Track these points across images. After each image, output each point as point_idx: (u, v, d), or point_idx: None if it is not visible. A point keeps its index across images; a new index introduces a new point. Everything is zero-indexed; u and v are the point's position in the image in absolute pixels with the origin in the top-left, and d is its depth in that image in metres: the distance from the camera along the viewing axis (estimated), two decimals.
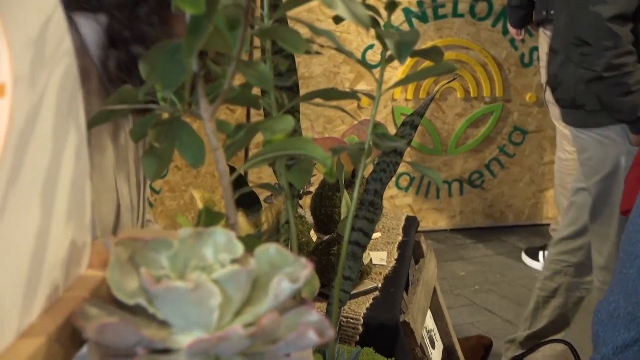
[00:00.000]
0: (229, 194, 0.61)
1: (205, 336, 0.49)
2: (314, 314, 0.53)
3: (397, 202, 4.31)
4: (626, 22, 2.27)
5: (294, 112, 0.94)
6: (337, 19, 0.69)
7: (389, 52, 0.73)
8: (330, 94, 0.79)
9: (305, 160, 0.77)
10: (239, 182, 2.09)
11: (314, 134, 2.72)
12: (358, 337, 1.75)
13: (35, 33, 0.52)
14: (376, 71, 0.83)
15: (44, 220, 0.53)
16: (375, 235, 2.23)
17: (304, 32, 0.62)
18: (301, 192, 1.91)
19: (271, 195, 1.85)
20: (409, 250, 2.22)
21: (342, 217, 1.65)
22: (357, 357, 1.25)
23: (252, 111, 3.70)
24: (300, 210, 2.07)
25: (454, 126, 4.24)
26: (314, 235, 2.04)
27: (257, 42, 0.84)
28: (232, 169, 0.67)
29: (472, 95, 4.19)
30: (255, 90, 0.72)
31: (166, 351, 0.51)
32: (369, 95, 0.82)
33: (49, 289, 0.54)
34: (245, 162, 0.64)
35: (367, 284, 1.89)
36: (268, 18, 0.80)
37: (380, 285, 1.91)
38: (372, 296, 1.85)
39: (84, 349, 0.53)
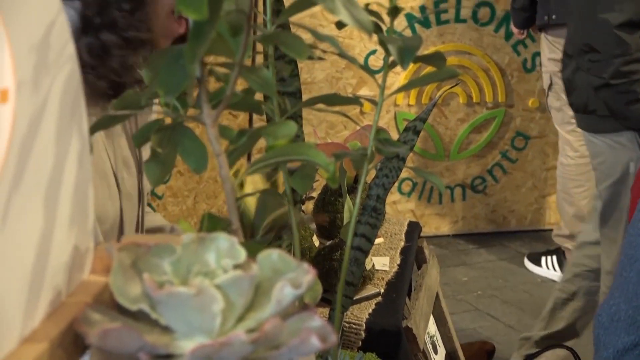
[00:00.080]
0: (232, 199, 0.61)
1: (208, 342, 0.49)
2: (317, 319, 0.53)
3: (400, 207, 4.31)
4: (635, 29, 2.26)
5: (297, 117, 0.94)
6: (340, 25, 0.69)
7: (391, 58, 0.73)
8: (332, 100, 0.79)
9: (307, 165, 0.77)
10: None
11: (316, 140, 2.72)
12: (360, 342, 1.74)
13: (39, 38, 0.52)
14: (379, 77, 0.83)
15: (47, 226, 0.53)
16: (378, 240, 2.23)
17: (307, 37, 0.62)
18: (304, 197, 1.91)
19: None
20: (412, 256, 2.22)
21: (345, 222, 1.65)
22: None
23: (255, 117, 3.71)
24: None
25: (457, 131, 4.24)
26: (316, 241, 2.04)
27: (259, 47, 0.84)
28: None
29: (474, 100, 4.19)
30: (258, 96, 0.72)
31: (169, 357, 0.51)
32: (371, 100, 0.82)
33: (51, 294, 0.54)
34: (248, 167, 0.64)
35: (370, 290, 1.88)
36: (271, 23, 0.80)
37: (382, 290, 1.91)
38: (375, 302, 1.85)
39: (87, 355, 0.53)
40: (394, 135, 3.52)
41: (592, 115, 2.46)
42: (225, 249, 0.55)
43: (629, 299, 1.25)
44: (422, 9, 4.02)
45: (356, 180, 2.07)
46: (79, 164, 0.58)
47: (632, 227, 1.30)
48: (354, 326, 1.75)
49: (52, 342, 0.50)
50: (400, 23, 3.89)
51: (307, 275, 0.53)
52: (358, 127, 1.86)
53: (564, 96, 3.51)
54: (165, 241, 0.57)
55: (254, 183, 0.96)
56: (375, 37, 0.73)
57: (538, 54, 3.95)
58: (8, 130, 0.47)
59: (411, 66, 3.46)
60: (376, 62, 3.97)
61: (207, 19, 0.52)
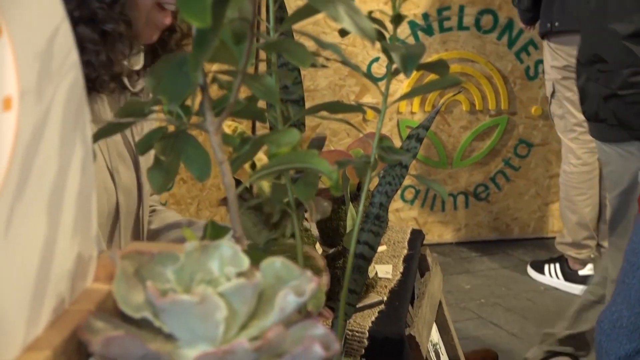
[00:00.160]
0: (235, 207, 0.61)
1: (211, 350, 0.49)
2: (320, 327, 0.53)
3: (403, 215, 4.31)
4: None
5: (300, 125, 0.94)
6: (343, 32, 0.69)
7: (394, 66, 0.73)
8: (335, 107, 0.79)
9: (310, 173, 0.77)
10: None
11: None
12: (363, 350, 1.74)
13: (42, 46, 0.52)
14: (382, 84, 0.83)
15: (50, 233, 0.53)
16: (381, 248, 2.23)
17: (310, 45, 0.62)
18: None
19: None
20: (415, 264, 2.22)
21: (348, 230, 1.65)
22: None
23: (258, 124, 3.71)
24: (305, 223, 2.07)
25: (460, 139, 4.24)
26: (319, 249, 2.04)
27: (262, 55, 0.84)
28: (238, 182, 0.67)
29: (477, 108, 4.19)
30: (261, 104, 0.72)
31: None
32: (374, 108, 0.82)
33: (55, 301, 0.54)
34: (251, 175, 0.64)
35: (373, 297, 1.88)
36: (274, 31, 0.80)
37: (385, 298, 1.90)
38: (378, 309, 1.85)
39: None
40: (397, 143, 3.53)
41: (602, 124, 2.46)
42: (229, 256, 0.55)
43: (631, 306, 1.24)
44: (425, 16, 4.03)
45: (359, 187, 2.07)
46: (82, 171, 0.58)
47: (635, 234, 1.29)
48: (356, 334, 1.75)
49: (55, 350, 0.50)
50: (403, 31, 3.89)
51: (311, 283, 0.53)
52: (361, 135, 1.86)
53: (566, 103, 3.52)
54: (169, 249, 0.57)
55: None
56: (378, 45, 0.73)
57: (541, 61, 3.95)
58: (11, 138, 0.47)
59: (414, 74, 3.45)
60: (379, 69, 3.97)
61: (211, 27, 0.52)
